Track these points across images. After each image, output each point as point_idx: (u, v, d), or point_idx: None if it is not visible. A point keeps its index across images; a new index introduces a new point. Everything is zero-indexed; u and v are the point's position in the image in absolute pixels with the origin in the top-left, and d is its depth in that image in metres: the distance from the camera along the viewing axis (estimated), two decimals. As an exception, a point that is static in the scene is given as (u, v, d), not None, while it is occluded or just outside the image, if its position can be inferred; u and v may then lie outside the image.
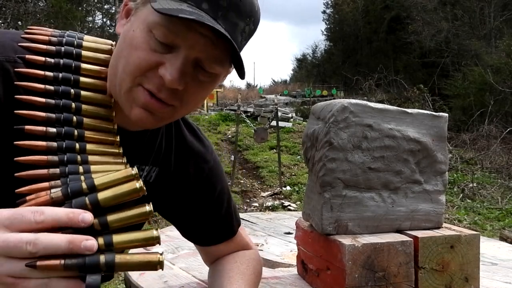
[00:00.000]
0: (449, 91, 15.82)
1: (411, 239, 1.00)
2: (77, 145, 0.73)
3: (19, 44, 0.77)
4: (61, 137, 0.73)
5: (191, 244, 1.47)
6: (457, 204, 6.65)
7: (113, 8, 22.81)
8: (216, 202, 1.05)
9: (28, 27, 0.83)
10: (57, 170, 0.69)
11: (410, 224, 1.07)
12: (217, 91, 18.19)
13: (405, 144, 1.06)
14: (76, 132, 0.75)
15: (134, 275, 1.18)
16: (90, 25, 21.25)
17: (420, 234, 1.02)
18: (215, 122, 12.41)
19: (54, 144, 0.71)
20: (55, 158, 0.70)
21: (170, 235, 1.63)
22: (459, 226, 1.69)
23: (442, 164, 1.11)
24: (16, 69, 0.74)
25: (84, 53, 0.81)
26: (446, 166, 1.12)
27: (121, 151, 0.79)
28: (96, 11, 22.55)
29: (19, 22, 14.41)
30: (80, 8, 19.16)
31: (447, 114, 1.13)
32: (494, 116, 11.91)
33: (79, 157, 0.72)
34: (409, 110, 1.08)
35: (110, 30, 22.84)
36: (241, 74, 0.76)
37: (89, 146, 0.75)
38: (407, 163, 1.07)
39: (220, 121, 12.52)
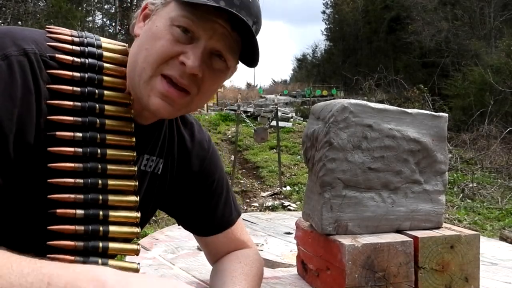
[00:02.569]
0: (449, 91, 15.81)
1: (411, 239, 1.00)
2: (99, 151, 0.82)
3: (47, 43, 0.81)
4: (86, 143, 0.81)
5: (191, 244, 1.47)
6: (457, 204, 6.65)
7: (113, 8, 22.81)
8: (215, 190, 1.08)
9: (47, 26, 0.86)
10: (81, 181, 0.80)
11: (410, 224, 1.07)
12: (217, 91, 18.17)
13: (405, 144, 1.06)
14: (99, 136, 0.82)
15: (134, 275, 1.18)
16: (90, 25, 21.23)
17: (420, 234, 1.02)
18: (215, 122, 12.41)
19: (80, 150, 0.80)
20: (80, 165, 0.80)
21: (170, 235, 1.63)
22: (459, 226, 1.69)
23: (442, 164, 1.11)
24: (48, 71, 0.78)
25: (105, 53, 0.87)
26: (446, 166, 1.12)
27: (135, 154, 0.87)
28: (96, 11, 22.55)
29: (19, 22, 14.40)
30: (80, 8, 19.15)
31: (447, 114, 1.13)
32: (494, 116, 11.90)
33: (99, 166, 0.82)
34: (409, 110, 1.08)
35: (109, 30, 22.82)
36: (255, 59, 0.87)
37: (109, 151, 0.83)
38: (407, 163, 1.07)
39: (220, 121, 12.52)
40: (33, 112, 0.75)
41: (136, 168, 0.87)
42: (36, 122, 0.76)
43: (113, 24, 22.99)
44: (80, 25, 16.85)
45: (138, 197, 0.87)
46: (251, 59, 0.88)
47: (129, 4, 23.65)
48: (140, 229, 0.86)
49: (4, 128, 0.71)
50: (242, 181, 7.80)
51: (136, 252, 0.84)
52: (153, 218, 4.86)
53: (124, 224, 0.84)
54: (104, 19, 23.37)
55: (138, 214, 0.86)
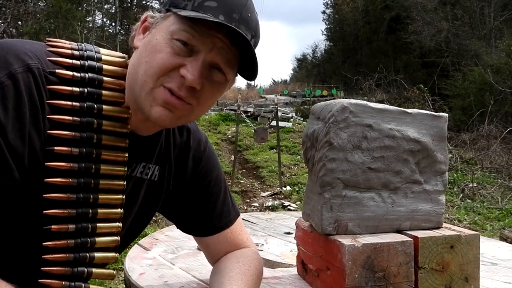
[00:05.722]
0: (449, 91, 15.81)
1: (411, 239, 1.00)
2: (94, 166, 0.84)
3: (48, 58, 0.81)
4: (82, 159, 0.82)
5: (191, 244, 1.47)
6: (457, 204, 6.65)
7: (113, 8, 22.78)
8: (213, 190, 1.09)
9: (47, 39, 0.87)
10: (74, 195, 0.82)
11: (410, 224, 1.07)
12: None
13: (405, 144, 1.06)
14: (95, 151, 0.84)
15: (134, 275, 1.18)
16: (90, 25, 21.19)
17: (420, 234, 1.02)
18: (215, 122, 12.40)
19: (76, 165, 0.81)
20: (75, 180, 0.82)
21: (170, 235, 1.63)
22: (459, 226, 1.69)
23: (442, 164, 1.11)
24: (48, 87, 0.79)
25: (105, 66, 0.87)
26: (446, 166, 1.11)
27: (126, 169, 0.89)
28: (96, 11, 22.50)
29: (19, 22, 14.39)
30: (80, 8, 19.09)
31: (447, 114, 1.13)
32: (494, 116, 11.90)
33: (92, 181, 0.84)
34: (409, 110, 1.08)
35: (109, 30, 22.78)
36: (254, 72, 0.88)
37: (103, 167, 0.85)
38: (407, 163, 1.07)
39: (220, 121, 12.51)
40: (41, 129, 0.77)
41: (125, 183, 0.88)
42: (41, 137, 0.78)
43: (113, 24, 22.96)
44: (80, 25, 16.81)
45: (122, 210, 0.90)
46: (250, 73, 0.89)
47: (129, 4, 23.64)
48: (119, 237, 0.90)
49: (18, 150, 0.73)
50: (242, 181, 7.79)
51: (115, 260, 0.89)
52: (153, 218, 4.86)
53: (108, 235, 0.87)
54: (104, 19, 23.33)
55: (120, 224, 0.89)
